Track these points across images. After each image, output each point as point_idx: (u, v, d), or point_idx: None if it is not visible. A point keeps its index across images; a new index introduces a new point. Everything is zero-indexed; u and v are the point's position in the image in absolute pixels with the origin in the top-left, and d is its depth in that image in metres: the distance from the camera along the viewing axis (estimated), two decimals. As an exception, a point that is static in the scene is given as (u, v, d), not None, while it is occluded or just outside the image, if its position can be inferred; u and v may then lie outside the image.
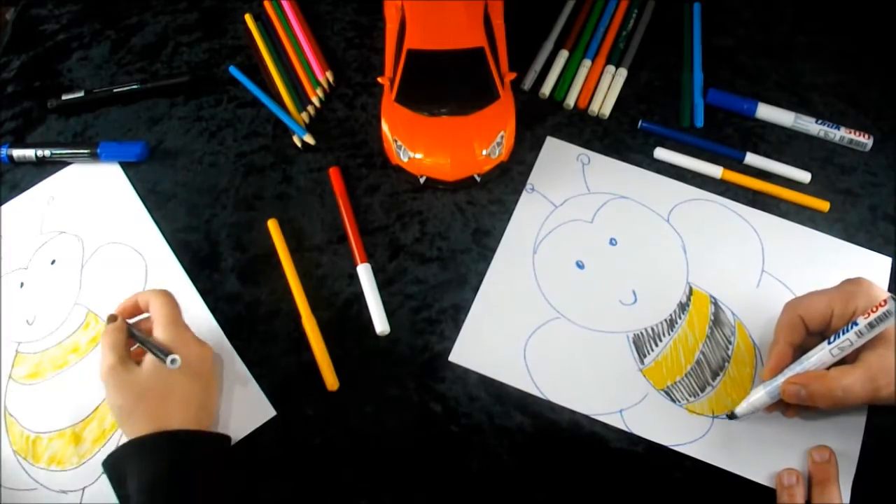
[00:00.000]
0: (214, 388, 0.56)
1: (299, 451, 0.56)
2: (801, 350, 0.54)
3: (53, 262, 0.64)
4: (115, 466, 0.51)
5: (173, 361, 0.50)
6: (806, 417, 0.55)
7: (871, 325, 0.49)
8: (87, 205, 0.67)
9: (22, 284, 0.64)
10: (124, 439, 0.52)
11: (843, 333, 0.50)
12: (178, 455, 0.51)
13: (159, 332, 0.54)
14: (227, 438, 0.55)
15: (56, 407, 0.58)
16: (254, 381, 0.58)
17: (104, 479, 0.52)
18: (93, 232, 0.65)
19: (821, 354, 0.52)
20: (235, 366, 0.59)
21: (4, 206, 0.68)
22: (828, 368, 0.51)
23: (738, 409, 0.55)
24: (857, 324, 0.50)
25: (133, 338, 0.54)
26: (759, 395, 0.54)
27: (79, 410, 0.58)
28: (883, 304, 0.48)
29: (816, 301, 0.53)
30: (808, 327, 0.54)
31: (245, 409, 0.57)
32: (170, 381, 0.52)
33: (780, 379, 0.53)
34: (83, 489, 0.55)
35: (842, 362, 0.52)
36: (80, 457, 0.56)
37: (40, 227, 0.66)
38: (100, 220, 0.66)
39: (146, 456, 0.50)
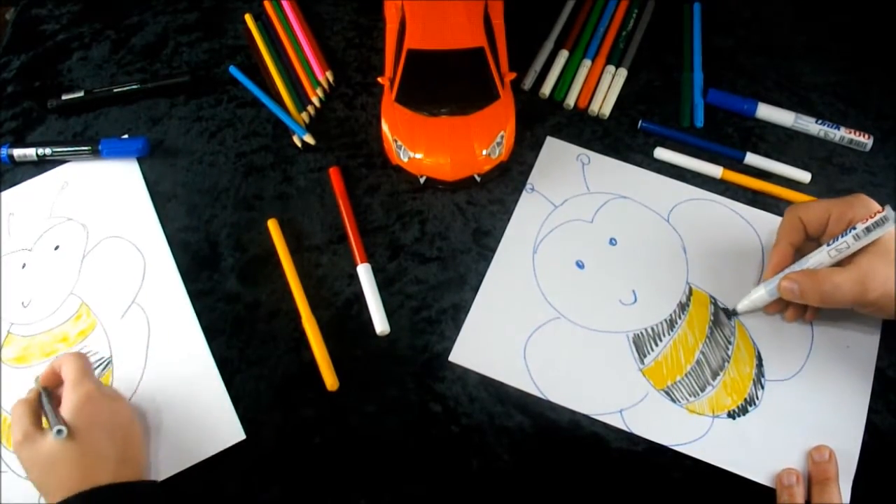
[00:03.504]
0: (137, 438, 0.54)
1: (299, 451, 0.56)
2: (801, 255, 0.57)
3: (57, 247, 0.65)
4: None
5: (59, 432, 0.49)
6: (803, 322, 0.59)
7: (867, 230, 0.52)
8: (98, 195, 0.67)
9: (24, 266, 0.64)
10: None
11: (842, 237, 0.53)
12: None
13: (66, 396, 0.52)
14: (152, 483, 0.53)
15: None
16: (228, 400, 0.57)
17: None
18: (99, 223, 0.66)
19: (819, 256, 0.55)
20: (212, 382, 0.58)
21: (20, 186, 0.68)
22: None
23: (739, 306, 0.59)
24: (855, 228, 0.52)
25: (41, 407, 0.53)
26: (760, 293, 0.57)
27: None
28: (881, 210, 0.51)
29: (816, 205, 0.57)
30: (806, 229, 0.57)
31: (213, 428, 0.56)
32: (80, 446, 0.50)
33: (780, 277, 0.56)
34: None
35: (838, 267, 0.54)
36: None
37: (50, 211, 0.67)
38: (108, 212, 0.66)
39: None
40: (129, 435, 0.53)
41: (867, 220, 0.52)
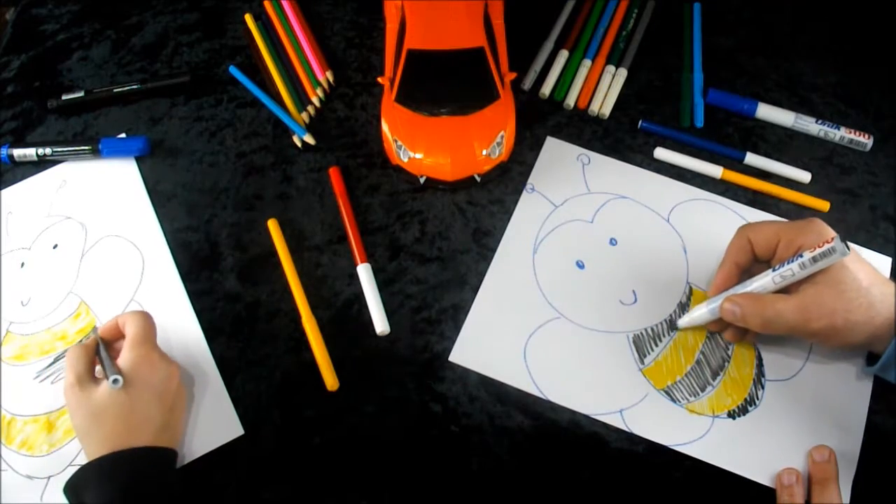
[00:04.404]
0: (181, 408, 0.55)
1: (299, 451, 0.56)
2: (748, 274, 0.56)
3: (55, 246, 0.65)
4: (75, 489, 0.50)
5: (115, 381, 0.50)
6: (744, 343, 0.58)
7: (814, 259, 0.50)
8: (96, 194, 0.67)
9: (23, 264, 0.64)
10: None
11: (788, 263, 0.52)
12: (134, 475, 0.50)
13: (125, 352, 0.53)
14: (172, 451, 0.53)
15: (35, 392, 0.59)
16: (227, 396, 0.57)
17: (70, 471, 0.52)
18: (97, 222, 0.66)
19: (764, 281, 0.53)
20: (211, 377, 0.58)
21: (17, 185, 0.68)
22: None
23: (680, 322, 0.59)
24: (802, 256, 0.51)
25: (98, 357, 0.54)
26: (702, 311, 0.57)
27: (56, 399, 0.58)
28: (830, 241, 0.50)
29: (766, 227, 0.55)
30: (754, 250, 0.55)
31: (212, 424, 0.56)
32: (129, 402, 0.51)
33: (722, 297, 0.55)
34: (48, 478, 0.55)
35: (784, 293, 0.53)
36: (50, 445, 0.56)
37: (48, 210, 0.67)
38: (106, 211, 0.66)
39: (102, 478, 0.49)
40: (176, 403, 0.54)
41: (815, 249, 0.50)
